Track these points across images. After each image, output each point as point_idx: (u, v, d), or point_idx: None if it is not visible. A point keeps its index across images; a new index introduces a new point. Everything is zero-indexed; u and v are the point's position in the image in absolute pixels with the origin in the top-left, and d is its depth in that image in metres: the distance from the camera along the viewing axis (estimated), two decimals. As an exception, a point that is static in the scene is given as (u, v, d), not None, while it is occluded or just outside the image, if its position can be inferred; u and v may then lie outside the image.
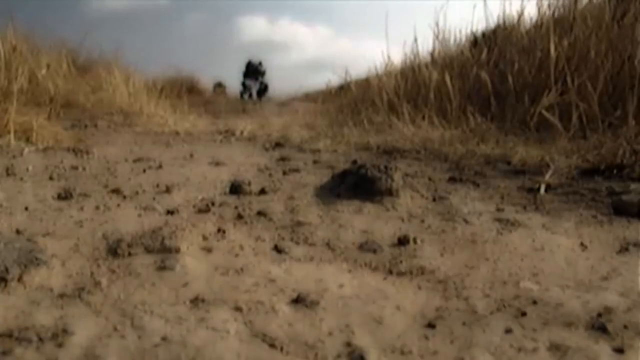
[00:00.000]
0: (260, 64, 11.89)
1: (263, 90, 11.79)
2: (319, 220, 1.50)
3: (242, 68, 12.10)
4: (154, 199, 1.73)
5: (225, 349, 0.79)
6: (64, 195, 1.70)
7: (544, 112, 3.04)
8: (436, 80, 4.04)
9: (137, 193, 1.81)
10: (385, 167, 1.77)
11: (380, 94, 4.46)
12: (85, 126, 4.06)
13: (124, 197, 1.74)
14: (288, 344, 0.81)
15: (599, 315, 0.91)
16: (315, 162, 2.61)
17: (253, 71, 11.90)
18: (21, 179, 1.99)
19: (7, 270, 0.99)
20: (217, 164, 2.50)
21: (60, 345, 0.78)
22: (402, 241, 1.31)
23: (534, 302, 0.97)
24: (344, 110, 4.85)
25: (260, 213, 1.56)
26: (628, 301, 0.96)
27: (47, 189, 1.82)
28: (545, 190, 1.87)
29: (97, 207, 1.59)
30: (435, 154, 2.78)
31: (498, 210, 1.63)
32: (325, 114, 4.98)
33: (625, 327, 0.86)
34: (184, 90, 7.26)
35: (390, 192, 1.70)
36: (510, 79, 3.55)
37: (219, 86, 10.43)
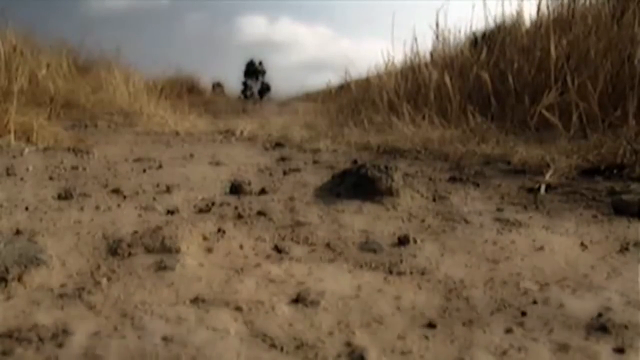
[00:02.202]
0: (260, 63, 11.87)
1: (265, 90, 11.78)
2: (319, 220, 1.50)
3: (243, 68, 12.10)
4: (154, 199, 1.73)
5: (225, 349, 0.79)
6: (64, 195, 1.70)
7: (544, 111, 3.04)
8: (436, 80, 4.04)
9: (137, 193, 1.81)
10: (386, 167, 1.77)
11: (380, 93, 4.46)
12: (86, 126, 4.07)
13: (124, 197, 1.74)
14: (288, 344, 0.81)
15: (599, 315, 0.91)
16: (315, 162, 2.61)
17: (253, 71, 11.89)
18: (21, 179, 1.99)
19: (7, 270, 0.99)
20: (217, 164, 2.50)
21: (60, 345, 0.78)
22: (402, 241, 1.31)
23: (534, 302, 0.97)
24: (344, 110, 4.85)
25: (260, 213, 1.56)
26: (628, 301, 0.96)
27: (47, 189, 1.82)
28: (546, 190, 1.87)
29: (97, 207, 1.59)
30: (436, 153, 2.78)
31: (498, 210, 1.63)
32: (325, 114, 4.99)
33: (626, 327, 0.86)
34: (184, 90, 7.26)
35: (390, 192, 1.70)
36: (510, 78, 3.55)
37: (218, 86, 10.43)
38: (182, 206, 1.63)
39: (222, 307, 0.92)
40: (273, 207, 1.65)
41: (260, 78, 11.87)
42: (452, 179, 2.10)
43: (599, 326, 0.86)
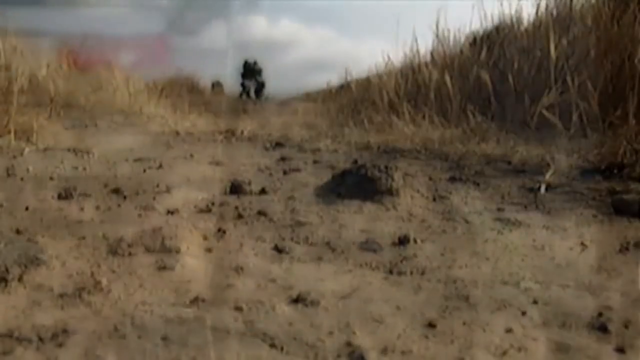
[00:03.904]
0: (255, 63, 11.77)
1: (260, 88, 11.72)
2: (319, 220, 1.50)
3: (240, 68, 12.04)
4: (154, 199, 1.73)
5: (225, 349, 0.79)
6: (64, 195, 1.70)
7: (544, 111, 3.03)
8: (436, 80, 4.04)
9: (137, 193, 1.80)
10: (386, 167, 1.77)
11: (380, 93, 4.45)
12: (86, 126, 4.06)
13: (124, 197, 1.74)
14: (288, 344, 0.81)
15: (600, 314, 0.91)
16: (315, 162, 2.61)
17: (250, 71, 11.82)
18: (21, 179, 1.99)
19: (7, 270, 0.99)
20: (218, 163, 2.50)
21: (60, 345, 0.78)
22: (402, 241, 1.31)
23: (535, 302, 0.97)
24: (344, 110, 4.84)
25: (260, 213, 1.56)
26: (628, 301, 0.96)
27: (47, 189, 1.82)
28: (546, 190, 1.87)
29: (97, 207, 1.59)
30: (436, 153, 2.78)
31: (498, 209, 1.63)
32: (325, 114, 4.98)
33: (626, 326, 0.86)
34: (184, 90, 7.25)
35: (390, 192, 1.70)
36: (510, 78, 3.55)
37: (217, 85, 10.38)
38: (182, 206, 1.63)
39: (222, 307, 0.92)
40: (273, 207, 1.64)
41: (257, 78, 11.82)
42: (453, 179, 2.10)
43: (600, 326, 0.86)
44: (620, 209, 1.57)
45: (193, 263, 1.13)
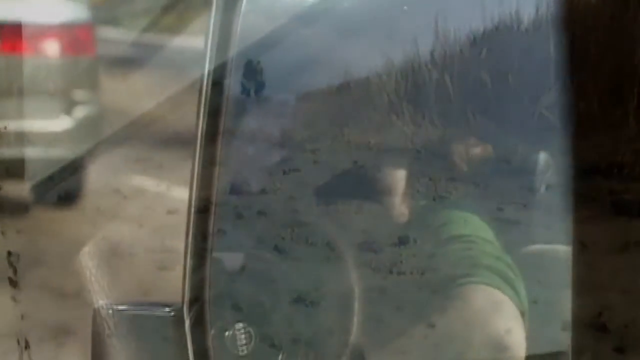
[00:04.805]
0: (258, 62, 11.81)
1: (259, 88, 11.75)
2: (319, 220, 1.50)
3: (242, 68, 12.06)
4: (154, 199, 1.73)
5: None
6: (64, 196, 1.70)
7: (544, 111, 3.04)
8: (436, 80, 4.05)
9: (137, 193, 1.80)
10: (386, 167, 1.77)
11: (380, 93, 4.46)
12: (86, 126, 4.06)
13: (124, 197, 1.74)
14: (288, 344, 0.81)
15: (600, 314, 0.91)
16: (315, 162, 2.61)
17: (251, 70, 11.85)
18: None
19: (7, 270, 0.99)
20: (218, 163, 2.50)
21: (60, 345, 0.78)
22: (402, 241, 1.31)
23: (534, 302, 0.97)
24: (344, 110, 4.85)
25: (260, 213, 1.56)
26: (628, 301, 0.96)
27: (48, 189, 1.82)
28: (546, 190, 1.87)
29: (97, 207, 1.59)
30: (436, 153, 2.78)
31: (498, 209, 1.63)
32: (325, 114, 4.99)
33: (626, 326, 0.86)
34: (185, 90, 7.25)
35: (390, 192, 1.69)
36: (510, 78, 3.56)
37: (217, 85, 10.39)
38: (182, 206, 1.63)
39: (222, 307, 0.92)
40: (273, 207, 1.64)
41: (257, 78, 11.84)
42: (452, 179, 2.10)
43: (599, 326, 0.86)
44: (620, 209, 1.57)
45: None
